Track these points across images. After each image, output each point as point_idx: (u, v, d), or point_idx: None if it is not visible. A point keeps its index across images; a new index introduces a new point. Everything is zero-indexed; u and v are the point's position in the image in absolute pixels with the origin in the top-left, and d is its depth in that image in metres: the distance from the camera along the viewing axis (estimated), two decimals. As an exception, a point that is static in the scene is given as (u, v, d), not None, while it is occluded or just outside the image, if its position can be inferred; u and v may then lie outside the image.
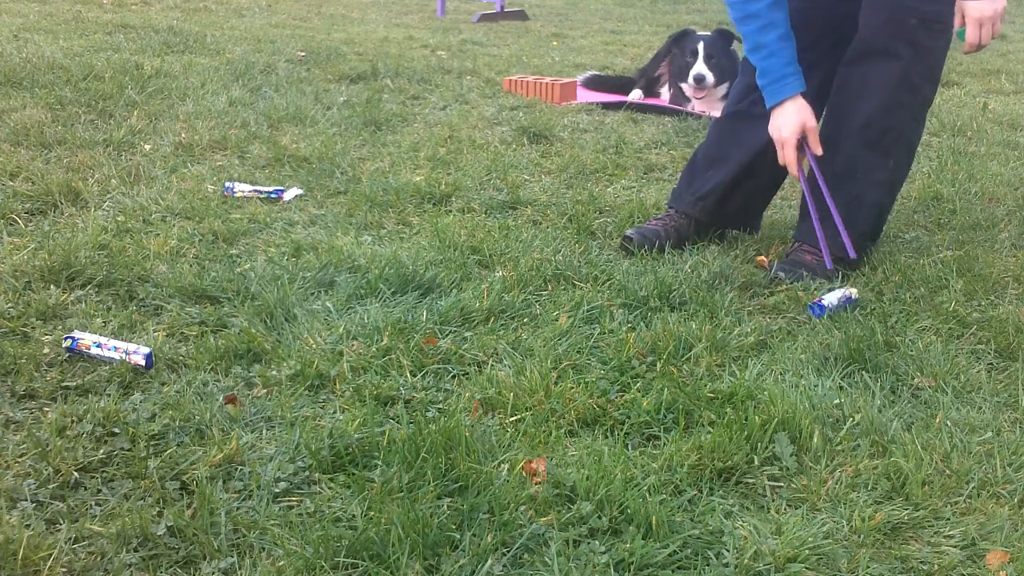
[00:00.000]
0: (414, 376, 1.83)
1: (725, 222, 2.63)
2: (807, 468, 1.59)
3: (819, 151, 2.34)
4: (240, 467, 1.54)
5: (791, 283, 2.31)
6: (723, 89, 4.29)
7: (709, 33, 4.43)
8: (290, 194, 2.86)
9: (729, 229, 2.66)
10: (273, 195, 2.84)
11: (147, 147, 3.22)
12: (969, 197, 3.06)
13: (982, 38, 2.26)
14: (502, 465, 1.55)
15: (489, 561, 1.33)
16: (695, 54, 4.31)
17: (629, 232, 2.53)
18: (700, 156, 2.64)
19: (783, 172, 2.52)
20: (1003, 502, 1.53)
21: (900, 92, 2.38)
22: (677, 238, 2.55)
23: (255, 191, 2.84)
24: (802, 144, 2.34)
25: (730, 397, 1.76)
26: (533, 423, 1.68)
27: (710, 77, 4.26)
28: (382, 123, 3.80)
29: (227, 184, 2.84)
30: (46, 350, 1.85)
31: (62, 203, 2.62)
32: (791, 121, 2.30)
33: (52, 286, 2.11)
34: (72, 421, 1.63)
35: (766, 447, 1.61)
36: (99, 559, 1.33)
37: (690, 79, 4.29)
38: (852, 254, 2.33)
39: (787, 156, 2.32)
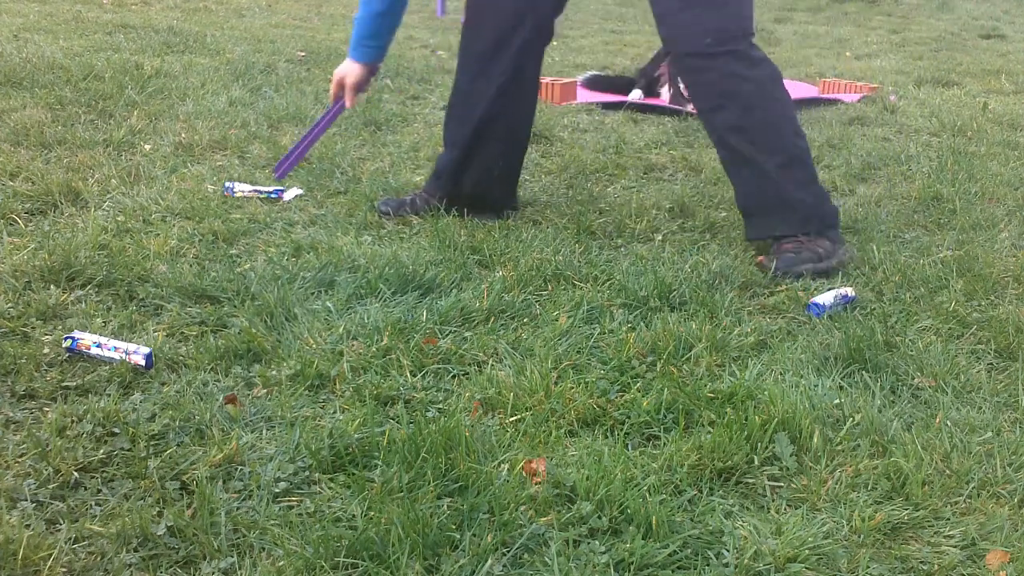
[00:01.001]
0: (414, 376, 1.83)
1: (471, 199, 2.75)
2: (807, 468, 1.59)
3: (351, 104, 2.75)
4: (240, 467, 1.54)
5: (791, 278, 2.36)
6: None
7: None
8: (290, 194, 2.86)
9: (484, 208, 2.76)
10: (273, 195, 2.84)
11: (147, 147, 3.22)
12: (969, 197, 3.06)
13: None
14: (502, 465, 1.55)
15: (489, 561, 1.33)
16: None
17: (382, 206, 2.77)
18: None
19: (515, 142, 2.75)
20: (1003, 502, 1.53)
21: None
22: (421, 207, 2.76)
23: (255, 191, 2.84)
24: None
25: (730, 397, 1.76)
26: (533, 423, 1.68)
27: None
28: (382, 123, 3.80)
29: (227, 184, 2.84)
30: (46, 350, 1.85)
31: (62, 203, 2.62)
32: (341, 71, 2.74)
33: (52, 286, 2.11)
34: (72, 421, 1.63)
35: (766, 447, 1.61)
36: (99, 559, 1.33)
37: None
38: (277, 174, 2.76)
39: (331, 91, 2.77)
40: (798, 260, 2.40)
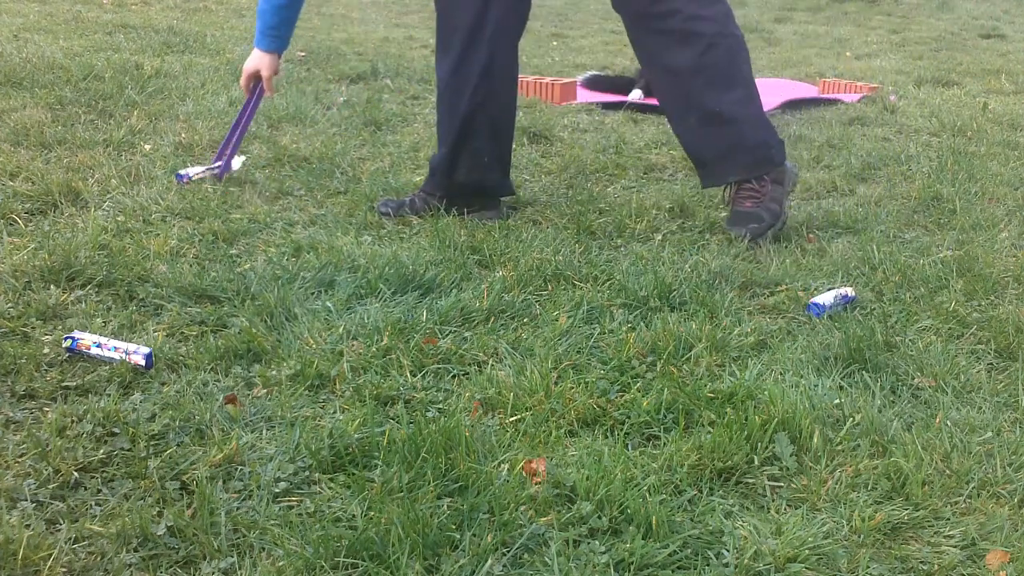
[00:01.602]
0: (414, 376, 1.83)
1: (466, 189, 2.76)
2: (807, 468, 1.59)
3: (270, 93, 2.90)
4: (240, 467, 1.54)
5: (743, 237, 2.51)
6: None
7: None
8: (236, 163, 3.01)
9: (483, 196, 2.78)
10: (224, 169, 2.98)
11: (147, 147, 3.22)
12: (969, 197, 3.06)
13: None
14: (502, 465, 1.55)
15: (489, 561, 1.33)
16: None
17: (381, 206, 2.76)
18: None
19: (501, 128, 2.78)
20: (1003, 502, 1.53)
21: None
22: (421, 207, 2.77)
23: (207, 170, 2.95)
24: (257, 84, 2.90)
25: (730, 397, 1.76)
26: (533, 423, 1.68)
27: None
28: (382, 123, 3.80)
29: (179, 173, 2.90)
30: (46, 350, 1.85)
31: (62, 203, 2.62)
32: (253, 63, 2.84)
33: (52, 286, 2.11)
34: (72, 421, 1.63)
35: (766, 447, 1.61)
36: (99, 559, 1.33)
37: None
38: (219, 175, 2.92)
39: (243, 83, 2.89)
40: (761, 229, 2.55)
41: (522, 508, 1.44)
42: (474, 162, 2.74)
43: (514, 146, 3.53)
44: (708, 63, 2.48)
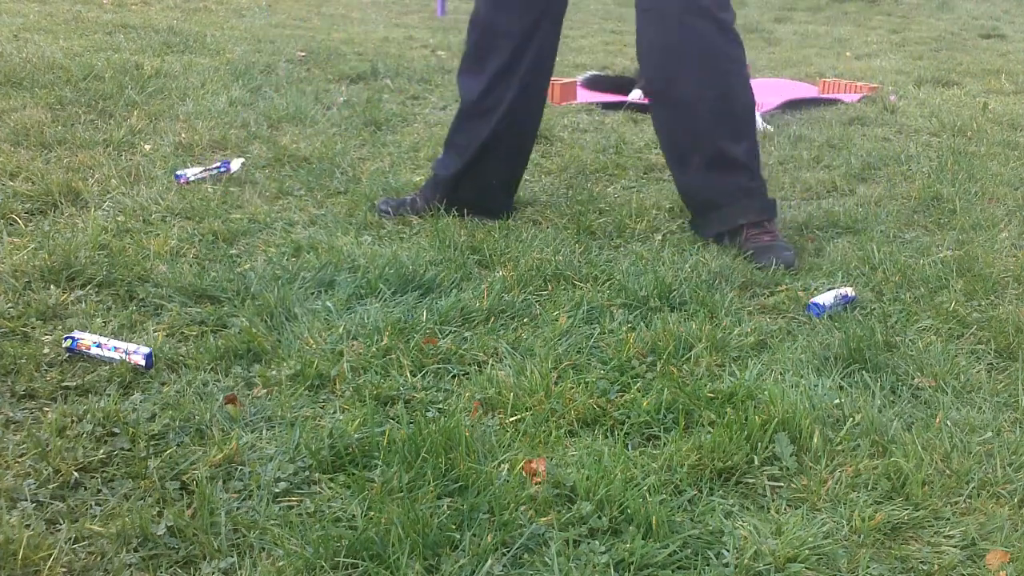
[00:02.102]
0: (414, 376, 1.83)
1: (468, 204, 2.75)
2: (807, 468, 1.59)
3: None
4: (240, 467, 1.54)
5: (767, 267, 2.41)
6: None
7: None
8: (236, 164, 2.99)
9: (482, 212, 2.77)
10: (221, 169, 2.96)
11: (147, 147, 3.22)
12: (969, 197, 3.06)
13: None
14: (502, 465, 1.55)
15: (489, 561, 1.33)
16: None
17: (382, 205, 2.74)
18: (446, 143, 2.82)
19: (519, 155, 2.77)
20: (1003, 502, 1.53)
21: None
22: (422, 207, 2.75)
23: (206, 171, 2.94)
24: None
25: (730, 397, 1.76)
26: (533, 423, 1.68)
27: None
28: (382, 123, 3.80)
29: (178, 173, 2.90)
30: (46, 350, 1.85)
31: (62, 203, 2.62)
32: None
33: (52, 286, 2.11)
34: (72, 421, 1.63)
35: (766, 447, 1.61)
36: (99, 559, 1.33)
37: None
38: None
39: None
40: (792, 258, 2.46)
41: (522, 508, 1.44)
42: (482, 184, 2.72)
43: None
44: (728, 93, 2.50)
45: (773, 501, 1.52)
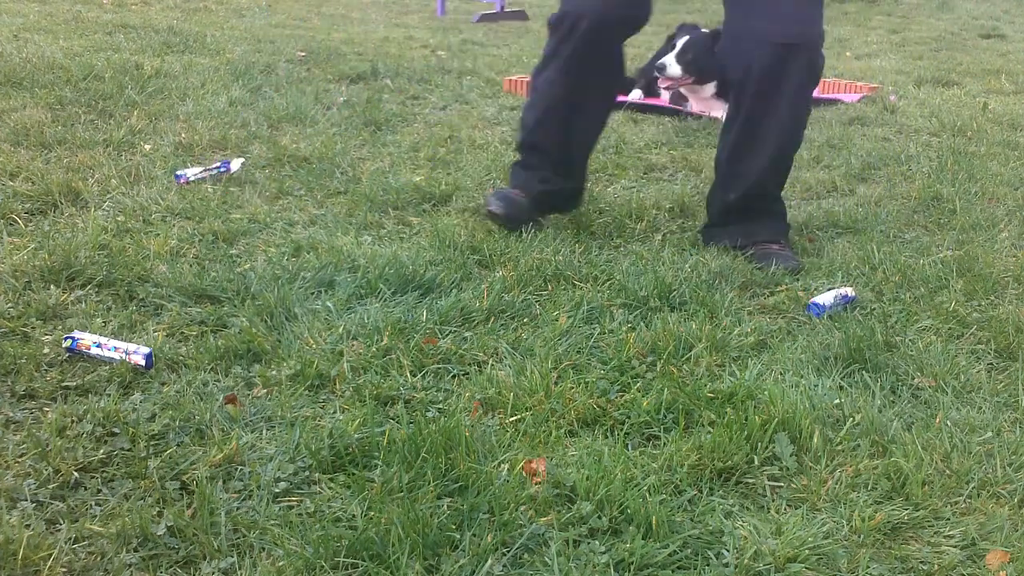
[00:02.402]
0: (414, 376, 1.83)
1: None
2: (807, 468, 1.59)
3: None
4: (240, 467, 1.54)
5: (766, 269, 2.42)
6: (711, 88, 4.27)
7: (704, 31, 4.42)
8: (236, 164, 3.00)
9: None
10: (222, 169, 2.96)
11: (147, 147, 3.22)
12: (969, 197, 3.06)
13: None
14: (502, 465, 1.55)
15: (489, 561, 1.33)
16: (674, 47, 4.29)
17: (494, 208, 2.59)
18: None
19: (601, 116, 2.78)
20: (1003, 502, 1.53)
21: None
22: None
23: (206, 171, 2.94)
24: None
25: (730, 397, 1.76)
26: (533, 423, 1.68)
27: (671, 68, 4.20)
28: (382, 123, 3.80)
29: (178, 173, 2.90)
30: (46, 350, 1.85)
31: (62, 203, 2.62)
32: None
33: (52, 286, 2.11)
34: (72, 421, 1.63)
35: (766, 447, 1.61)
36: (99, 559, 1.33)
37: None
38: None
39: None
40: (797, 266, 2.46)
41: (522, 508, 1.44)
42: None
43: (515, 146, 3.54)
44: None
45: (773, 501, 1.52)
